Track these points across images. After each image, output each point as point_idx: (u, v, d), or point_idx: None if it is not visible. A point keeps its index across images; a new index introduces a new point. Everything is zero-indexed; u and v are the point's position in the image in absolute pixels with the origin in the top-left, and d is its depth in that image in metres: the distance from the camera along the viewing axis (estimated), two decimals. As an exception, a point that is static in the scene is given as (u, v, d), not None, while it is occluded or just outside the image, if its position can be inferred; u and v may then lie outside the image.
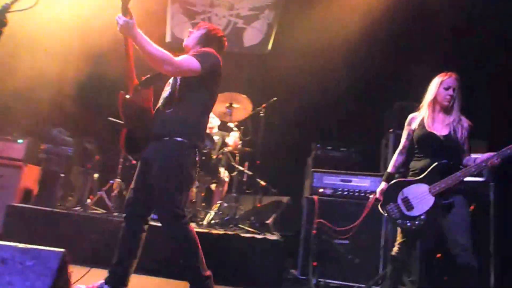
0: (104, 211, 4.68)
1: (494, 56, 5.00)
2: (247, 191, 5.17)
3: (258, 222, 4.52)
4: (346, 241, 4.20)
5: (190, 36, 2.99)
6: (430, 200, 2.92)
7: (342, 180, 4.55)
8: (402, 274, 3.16)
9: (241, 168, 5.09)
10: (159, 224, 2.72)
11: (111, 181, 4.83)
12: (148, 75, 2.82)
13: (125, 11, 2.42)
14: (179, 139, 2.67)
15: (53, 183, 4.88)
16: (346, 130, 5.73)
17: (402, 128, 4.74)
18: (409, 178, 3.07)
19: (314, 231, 4.22)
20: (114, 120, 5.05)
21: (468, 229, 2.87)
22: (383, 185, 3.27)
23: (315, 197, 4.40)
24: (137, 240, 2.81)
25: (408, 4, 5.32)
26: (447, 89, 3.10)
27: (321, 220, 4.29)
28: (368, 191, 4.42)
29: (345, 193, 4.48)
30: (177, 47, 6.31)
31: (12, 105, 5.31)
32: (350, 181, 4.53)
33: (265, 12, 6.53)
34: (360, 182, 4.50)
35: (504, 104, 4.75)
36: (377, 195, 3.29)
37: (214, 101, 2.90)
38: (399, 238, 3.07)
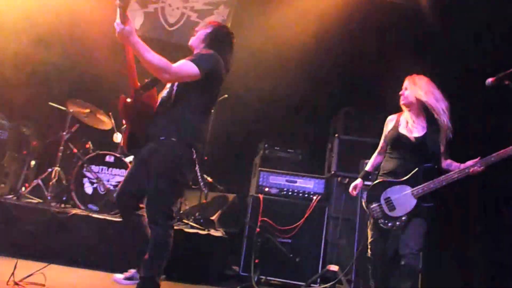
0: (40, 201, 4.44)
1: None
2: (193, 186, 5.10)
3: (203, 218, 4.48)
4: (289, 240, 4.29)
5: (195, 35, 2.94)
6: (412, 202, 2.96)
7: (287, 181, 4.63)
8: (381, 271, 3.19)
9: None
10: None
11: (50, 169, 4.59)
12: (149, 79, 2.78)
13: (123, 18, 2.39)
14: (174, 139, 2.66)
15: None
16: (294, 131, 5.84)
17: (347, 133, 4.95)
18: (393, 179, 3.07)
19: (258, 229, 4.27)
20: (56, 105, 4.82)
21: (421, 234, 2.96)
22: (358, 181, 3.38)
23: (260, 196, 4.45)
24: (141, 229, 2.83)
25: (360, 11, 5.49)
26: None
27: (265, 219, 4.35)
28: (312, 192, 4.53)
29: (290, 193, 4.56)
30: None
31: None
32: (295, 181, 4.62)
33: (220, 8, 6.48)
34: (305, 183, 4.60)
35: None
36: (350, 189, 3.40)
37: (213, 102, 2.90)
38: (369, 238, 3.12)
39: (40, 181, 4.54)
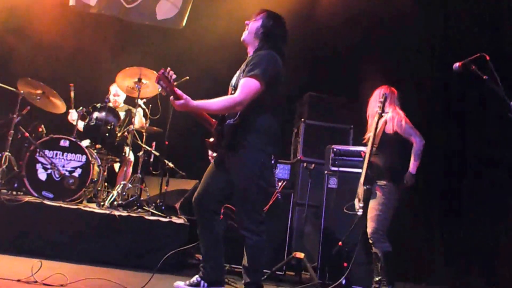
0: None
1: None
2: (154, 172, 4.96)
3: (165, 206, 4.35)
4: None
5: (248, 30, 2.88)
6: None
7: (252, 166, 4.54)
8: None
9: (148, 148, 4.85)
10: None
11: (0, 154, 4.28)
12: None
13: (175, 95, 2.51)
14: (253, 148, 2.70)
15: None
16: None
17: (312, 118, 4.91)
18: None
19: (221, 216, 4.17)
20: (4, 86, 4.49)
21: (373, 218, 3.34)
22: None
23: (224, 182, 4.34)
24: (215, 235, 2.93)
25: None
26: None
27: (228, 206, 4.25)
28: (277, 178, 4.47)
29: (254, 179, 4.48)
30: (82, 11, 5.87)
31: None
32: (260, 167, 4.54)
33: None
34: (270, 169, 4.53)
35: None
36: None
37: (278, 101, 2.85)
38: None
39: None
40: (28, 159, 4.17)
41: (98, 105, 4.68)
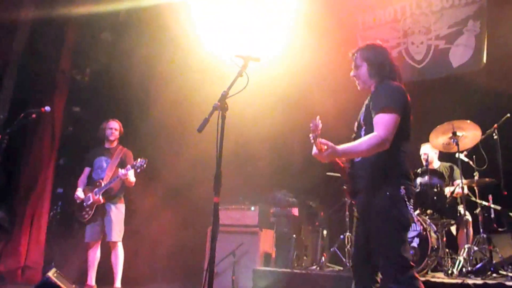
0: (340, 268, 4.53)
1: None
2: (500, 229, 4.35)
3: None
4: None
5: (360, 80, 2.69)
6: None
7: None
8: None
9: (484, 203, 4.35)
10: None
11: (341, 236, 4.70)
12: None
13: (318, 145, 2.36)
14: (387, 186, 2.42)
15: (286, 244, 5.02)
16: None
17: None
18: None
19: None
20: (332, 174, 5.01)
21: None
22: None
23: None
24: None
25: None
26: None
27: None
28: None
29: None
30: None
31: (237, 174, 5.81)
32: None
33: (469, 25, 5.81)
34: None
35: None
36: None
37: (408, 132, 2.54)
38: None
39: (336, 249, 4.68)
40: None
41: (419, 170, 4.62)
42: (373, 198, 2.44)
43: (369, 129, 2.47)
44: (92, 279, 4.60)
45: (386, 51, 2.68)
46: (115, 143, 4.89)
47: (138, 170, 4.47)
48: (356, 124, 2.73)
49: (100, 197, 4.55)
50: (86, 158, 4.91)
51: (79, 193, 4.67)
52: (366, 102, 2.65)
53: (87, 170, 4.86)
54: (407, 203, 2.41)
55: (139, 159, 4.48)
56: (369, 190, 2.48)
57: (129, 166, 4.50)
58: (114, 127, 4.85)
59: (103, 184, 4.58)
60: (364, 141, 2.38)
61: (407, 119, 2.51)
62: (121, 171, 4.47)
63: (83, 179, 4.83)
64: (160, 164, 6.04)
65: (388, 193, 2.40)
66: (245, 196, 5.45)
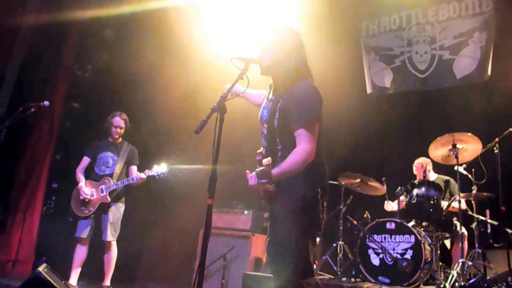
0: (331, 277, 4.46)
1: None
2: (495, 245, 4.26)
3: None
4: None
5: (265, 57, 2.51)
6: None
7: None
8: None
9: (481, 217, 4.27)
10: None
11: (334, 244, 4.63)
12: None
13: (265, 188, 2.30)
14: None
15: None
16: None
17: None
18: None
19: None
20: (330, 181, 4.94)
21: None
22: None
23: None
24: None
25: None
26: None
27: None
28: None
29: None
30: (379, 95, 6.08)
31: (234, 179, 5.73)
32: None
33: (475, 36, 5.73)
34: None
35: None
36: None
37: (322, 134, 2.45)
38: None
39: (328, 257, 4.61)
40: (360, 246, 4.32)
41: (416, 181, 4.55)
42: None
43: (284, 136, 2.41)
44: (74, 278, 4.40)
45: (296, 37, 2.55)
46: (120, 139, 4.77)
47: (157, 177, 4.43)
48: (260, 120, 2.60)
49: (108, 196, 4.43)
50: (89, 148, 4.74)
51: (85, 189, 4.47)
52: (272, 96, 2.54)
53: (86, 160, 4.67)
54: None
55: (160, 165, 4.43)
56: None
57: (148, 171, 4.43)
58: (120, 125, 4.70)
59: (112, 183, 4.46)
60: (293, 161, 2.28)
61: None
62: (140, 174, 4.42)
63: (81, 169, 4.65)
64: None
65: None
66: (240, 200, 5.38)
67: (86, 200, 4.44)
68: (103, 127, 4.80)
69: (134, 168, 4.69)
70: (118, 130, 4.69)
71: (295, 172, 2.28)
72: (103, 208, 4.47)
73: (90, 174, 4.63)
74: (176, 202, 5.91)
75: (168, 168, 4.44)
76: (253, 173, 2.22)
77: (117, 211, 4.53)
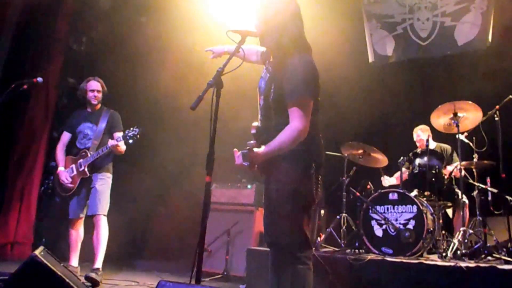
0: (336, 249, 4.52)
1: None
2: (496, 212, 4.32)
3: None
4: None
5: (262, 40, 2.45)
6: None
7: None
8: None
9: (482, 185, 4.31)
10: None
11: (338, 216, 4.67)
12: None
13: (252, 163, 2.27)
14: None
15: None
16: None
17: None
18: None
19: None
20: (331, 153, 4.93)
21: None
22: None
23: None
24: None
25: None
26: None
27: None
28: None
29: None
30: (382, 64, 6.01)
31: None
32: None
33: (476, 2, 5.64)
34: None
35: None
36: None
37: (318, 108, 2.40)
38: None
39: (331, 229, 4.65)
40: (363, 217, 4.35)
41: (419, 150, 4.55)
42: None
43: (278, 111, 2.36)
44: (74, 259, 4.19)
45: (295, 8, 2.44)
46: (98, 106, 4.41)
47: (131, 141, 4.02)
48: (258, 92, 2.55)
49: (86, 169, 4.14)
50: (68, 123, 4.46)
51: (64, 175, 4.20)
52: (269, 67, 2.48)
53: (66, 136, 4.39)
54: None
55: (131, 128, 4.05)
56: None
57: (119, 136, 4.07)
58: (96, 88, 4.34)
59: (89, 155, 4.16)
60: (285, 139, 2.24)
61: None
62: (110, 141, 4.04)
63: (61, 147, 4.37)
64: (158, 141, 5.96)
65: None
66: (243, 174, 5.34)
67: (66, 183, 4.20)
68: (78, 96, 4.47)
69: (118, 135, 4.23)
70: (96, 93, 4.36)
71: (286, 150, 2.25)
72: (86, 182, 4.22)
73: (72, 149, 4.37)
74: (181, 177, 5.90)
75: (140, 128, 4.06)
76: (239, 153, 2.22)
77: (104, 182, 4.23)
